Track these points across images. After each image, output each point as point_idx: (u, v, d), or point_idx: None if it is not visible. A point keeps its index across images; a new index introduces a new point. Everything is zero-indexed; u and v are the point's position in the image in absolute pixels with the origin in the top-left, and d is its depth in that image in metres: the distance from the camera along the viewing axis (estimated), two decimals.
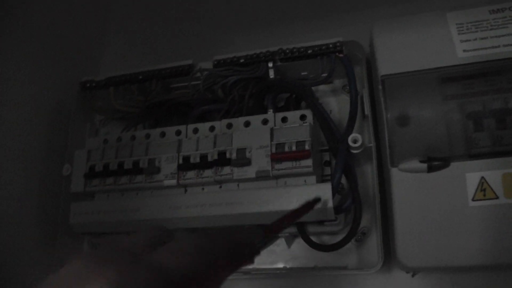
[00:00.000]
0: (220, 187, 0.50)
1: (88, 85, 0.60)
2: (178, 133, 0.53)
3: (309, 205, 0.43)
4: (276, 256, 0.54)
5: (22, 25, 0.59)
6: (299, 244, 0.53)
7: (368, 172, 0.52)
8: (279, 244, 0.54)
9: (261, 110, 0.52)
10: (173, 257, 0.25)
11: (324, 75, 0.53)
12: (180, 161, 0.50)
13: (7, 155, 0.55)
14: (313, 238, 0.49)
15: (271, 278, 0.54)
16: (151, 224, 0.50)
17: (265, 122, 0.50)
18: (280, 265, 0.54)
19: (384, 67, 0.47)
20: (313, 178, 0.47)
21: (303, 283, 0.53)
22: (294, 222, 0.47)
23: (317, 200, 0.44)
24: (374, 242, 0.51)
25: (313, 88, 0.55)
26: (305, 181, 0.47)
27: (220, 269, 0.27)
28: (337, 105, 0.56)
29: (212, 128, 0.52)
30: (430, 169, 0.43)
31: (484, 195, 0.41)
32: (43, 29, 0.62)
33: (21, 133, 0.57)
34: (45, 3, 0.62)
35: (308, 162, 0.46)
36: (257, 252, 0.32)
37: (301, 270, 0.53)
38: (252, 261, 0.31)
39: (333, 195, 0.45)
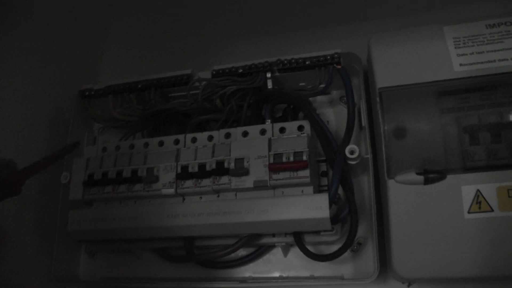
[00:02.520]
0: (218, 196, 0.50)
1: (87, 93, 0.60)
2: (177, 142, 0.53)
3: (66, 150, 0.48)
4: (272, 265, 0.54)
5: (21, 33, 0.59)
6: (295, 253, 0.53)
7: (365, 183, 0.53)
8: (275, 253, 0.55)
9: (259, 120, 0.53)
10: None
11: (322, 86, 0.53)
12: (179, 170, 0.51)
13: None
14: (310, 248, 0.49)
15: (267, 287, 0.54)
16: (150, 233, 0.50)
17: (263, 132, 0.50)
18: (276, 274, 0.54)
19: (382, 80, 0.47)
20: (310, 189, 0.47)
21: None
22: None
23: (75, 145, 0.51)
24: (370, 252, 0.51)
25: (310, 98, 0.55)
26: (302, 191, 0.48)
27: None
28: (334, 116, 0.57)
29: (210, 138, 0.52)
30: (427, 181, 0.43)
31: (480, 207, 0.42)
32: (42, 36, 0.62)
33: (20, 141, 0.57)
34: (44, 10, 0.63)
35: (306, 172, 0.46)
36: None
37: (297, 279, 0.53)
38: None
39: (330, 205, 0.45)
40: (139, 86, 0.58)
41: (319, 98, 0.57)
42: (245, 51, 0.65)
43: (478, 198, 0.42)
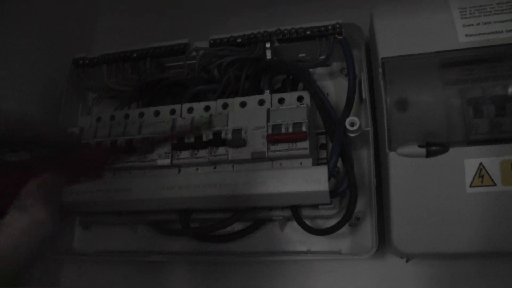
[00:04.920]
0: (215, 168, 0.49)
1: (81, 62, 0.59)
2: (173, 112, 0.52)
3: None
4: (269, 240, 0.54)
5: (12, 1, 0.57)
6: (292, 227, 0.53)
7: (364, 157, 0.52)
8: (272, 227, 0.54)
9: (257, 92, 0.52)
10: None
11: (322, 57, 0.52)
12: (174, 141, 0.50)
13: None
14: (307, 222, 0.49)
15: (264, 261, 0.53)
16: (144, 205, 0.49)
17: (261, 103, 0.49)
18: (273, 249, 0.53)
19: (385, 50, 0.46)
20: (309, 161, 0.47)
21: (296, 267, 0.53)
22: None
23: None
24: (368, 227, 0.50)
25: (310, 70, 0.54)
26: (301, 163, 0.47)
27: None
28: (334, 88, 0.56)
29: (207, 108, 0.51)
30: (429, 154, 0.42)
31: (482, 181, 0.41)
32: (33, 3, 0.60)
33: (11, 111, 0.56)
34: None
35: (305, 144, 0.45)
36: None
37: (294, 254, 0.52)
38: None
39: (329, 178, 0.44)
40: (134, 55, 0.57)
41: (319, 70, 0.56)
42: (243, 20, 0.64)
43: (481, 172, 0.41)
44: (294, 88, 0.53)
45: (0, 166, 0.28)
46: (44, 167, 0.28)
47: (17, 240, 0.24)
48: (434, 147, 0.42)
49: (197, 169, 0.50)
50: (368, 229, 0.50)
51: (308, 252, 0.52)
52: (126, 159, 0.45)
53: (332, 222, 0.48)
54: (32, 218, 0.25)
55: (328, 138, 0.50)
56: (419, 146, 0.43)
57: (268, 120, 0.47)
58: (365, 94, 0.49)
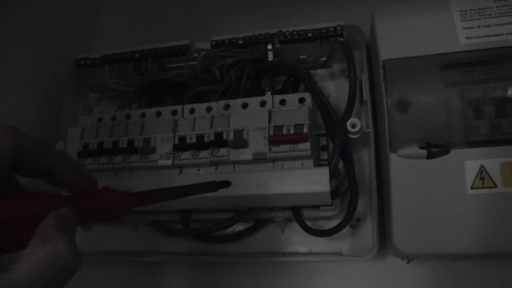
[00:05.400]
0: (216, 168, 0.50)
1: (82, 62, 0.59)
2: (174, 113, 0.52)
3: (211, 186, 0.40)
4: (270, 241, 0.54)
5: (14, 0, 0.57)
6: (293, 228, 0.53)
7: (365, 158, 0.52)
8: (273, 228, 0.54)
9: (258, 93, 0.52)
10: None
11: (323, 59, 0.52)
12: (176, 141, 0.50)
13: None
14: (308, 223, 0.49)
15: (264, 262, 0.53)
16: None
17: (263, 104, 0.50)
18: (273, 250, 0.53)
19: (386, 52, 0.47)
20: (310, 162, 0.47)
21: (297, 268, 0.53)
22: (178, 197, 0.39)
23: (226, 184, 0.42)
24: (369, 228, 0.51)
25: (311, 72, 0.54)
26: (302, 164, 0.47)
27: None
28: (335, 89, 0.56)
29: (209, 109, 0.51)
30: (430, 156, 0.42)
31: (483, 183, 0.41)
32: (35, 3, 0.60)
33: (14, 110, 0.56)
34: None
35: (306, 145, 0.45)
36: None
37: (295, 255, 0.52)
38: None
39: (330, 179, 0.44)
40: (136, 55, 0.57)
41: (320, 71, 0.56)
42: (245, 21, 0.64)
43: (482, 174, 0.41)
44: (295, 90, 0.53)
45: (20, 195, 0.27)
46: (62, 202, 0.28)
47: (37, 273, 0.23)
48: (435, 148, 0.42)
49: (199, 169, 0.50)
50: (369, 230, 0.51)
51: (308, 253, 0.52)
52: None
53: (333, 223, 0.48)
54: (53, 250, 0.24)
55: (329, 139, 0.50)
56: (420, 147, 0.43)
57: (269, 121, 0.47)
58: (366, 95, 0.50)
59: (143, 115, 0.53)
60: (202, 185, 0.39)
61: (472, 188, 0.41)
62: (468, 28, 0.45)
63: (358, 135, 0.47)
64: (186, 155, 0.49)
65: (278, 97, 0.49)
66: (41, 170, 0.28)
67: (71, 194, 0.29)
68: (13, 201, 0.26)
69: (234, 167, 0.49)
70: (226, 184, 0.42)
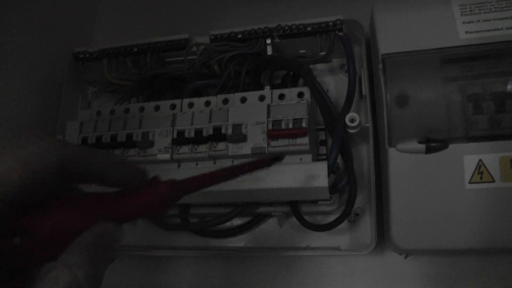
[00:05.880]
0: (215, 163, 0.49)
1: (81, 56, 0.59)
2: (173, 107, 0.52)
3: (264, 163, 0.36)
4: (268, 235, 0.54)
5: None
6: (291, 223, 0.53)
7: (364, 153, 0.52)
8: (271, 223, 0.54)
9: (257, 87, 0.52)
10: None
11: (323, 53, 0.52)
12: (175, 136, 0.49)
13: None
14: (307, 218, 0.49)
15: (262, 257, 0.53)
16: None
17: (261, 98, 0.49)
18: (272, 245, 0.53)
19: (385, 46, 0.46)
20: (308, 157, 0.47)
21: (295, 263, 0.53)
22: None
23: (279, 158, 0.37)
24: (367, 223, 0.51)
25: (310, 66, 0.54)
26: (300, 159, 0.47)
27: None
28: (334, 84, 0.56)
29: (207, 103, 0.51)
30: (428, 150, 0.42)
31: (481, 178, 0.41)
32: None
33: (12, 104, 0.55)
34: None
35: (305, 140, 0.45)
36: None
37: (293, 249, 0.53)
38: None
39: (329, 174, 0.44)
40: (135, 50, 0.57)
41: (319, 66, 0.56)
42: (244, 15, 0.64)
43: (480, 168, 0.41)
44: (294, 84, 0.53)
45: (68, 200, 0.26)
46: (110, 207, 0.27)
47: None
48: (434, 143, 0.42)
49: (197, 164, 0.50)
50: (367, 225, 0.51)
51: (307, 248, 0.52)
52: None
53: (332, 218, 0.48)
54: (72, 279, 0.23)
55: (328, 134, 0.50)
56: (419, 142, 0.43)
57: (268, 115, 0.47)
58: (365, 90, 0.49)
59: (141, 109, 0.53)
60: (255, 163, 0.36)
61: (470, 182, 0.41)
62: (468, 22, 0.45)
63: (357, 130, 0.47)
64: (185, 149, 0.49)
65: (277, 92, 0.49)
66: (90, 177, 0.27)
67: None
68: (55, 212, 0.25)
69: (232, 161, 0.49)
70: (279, 158, 0.38)
